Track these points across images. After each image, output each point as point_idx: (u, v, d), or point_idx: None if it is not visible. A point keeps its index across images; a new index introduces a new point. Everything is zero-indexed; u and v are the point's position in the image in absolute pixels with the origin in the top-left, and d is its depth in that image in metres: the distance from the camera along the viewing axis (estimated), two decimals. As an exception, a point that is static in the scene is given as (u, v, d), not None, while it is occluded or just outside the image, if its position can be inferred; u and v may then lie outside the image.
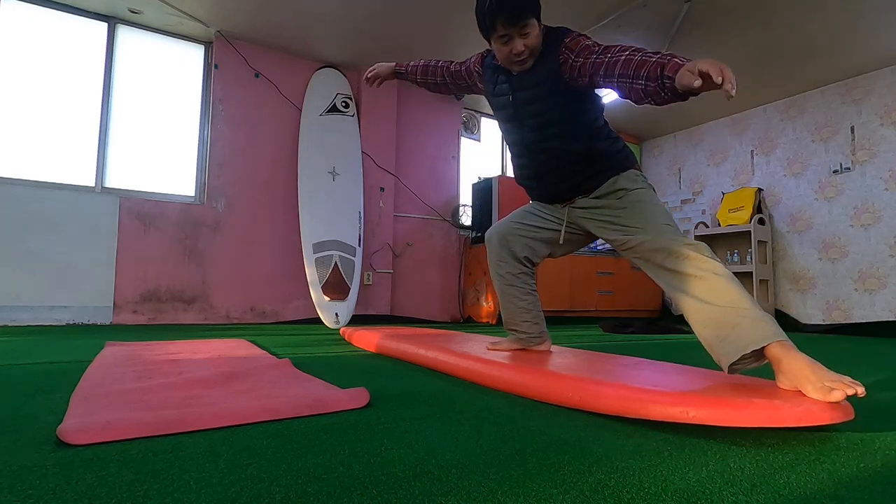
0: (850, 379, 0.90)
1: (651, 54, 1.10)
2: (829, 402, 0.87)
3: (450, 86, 1.70)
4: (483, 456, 0.78)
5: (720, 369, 1.11)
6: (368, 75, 1.76)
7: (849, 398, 0.88)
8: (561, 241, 1.55)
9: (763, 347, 1.01)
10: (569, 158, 1.39)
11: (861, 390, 0.86)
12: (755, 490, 0.66)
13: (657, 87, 1.05)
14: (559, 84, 1.30)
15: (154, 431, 0.86)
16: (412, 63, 1.75)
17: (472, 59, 1.59)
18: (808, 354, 0.98)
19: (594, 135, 1.38)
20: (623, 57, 1.14)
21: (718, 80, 0.92)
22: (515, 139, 1.49)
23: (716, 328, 1.08)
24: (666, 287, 1.24)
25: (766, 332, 1.02)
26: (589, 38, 1.29)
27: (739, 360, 1.05)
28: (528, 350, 1.64)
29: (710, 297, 1.11)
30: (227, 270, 3.83)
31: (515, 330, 1.66)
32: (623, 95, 1.17)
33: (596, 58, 1.20)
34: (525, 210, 1.63)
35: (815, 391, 0.89)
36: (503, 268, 1.62)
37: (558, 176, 1.44)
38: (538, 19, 1.29)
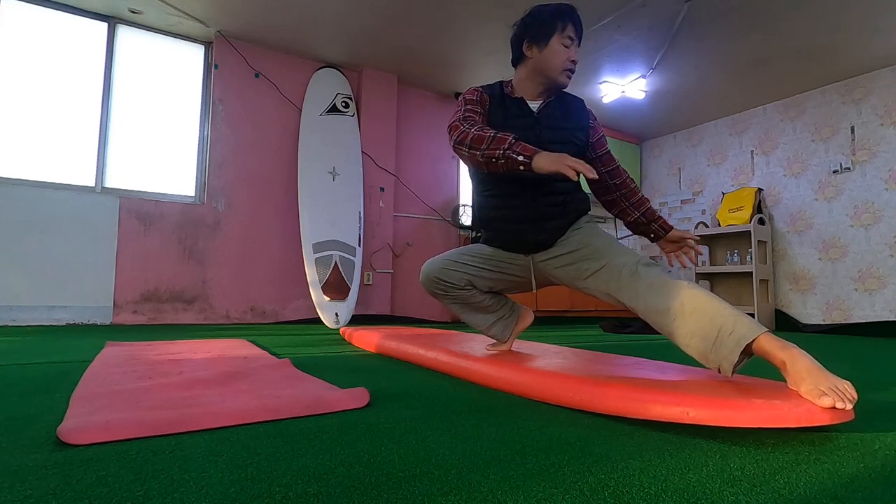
0: (847, 384, 0.90)
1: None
2: None
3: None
4: (483, 456, 0.78)
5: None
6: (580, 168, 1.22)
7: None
8: (535, 288, 1.56)
9: (750, 343, 1.02)
10: (574, 206, 1.44)
11: (850, 406, 0.87)
12: (755, 490, 0.66)
13: (644, 222, 1.54)
14: (586, 135, 1.48)
15: (154, 431, 0.85)
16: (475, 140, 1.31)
17: (474, 96, 1.46)
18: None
19: (580, 184, 1.47)
20: (629, 177, 1.56)
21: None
22: (516, 176, 1.32)
23: (703, 338, 1.08)
24: (637, 305, 1.22)
25: (750, 326, 1.04)
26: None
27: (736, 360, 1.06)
28: (526, 355, 1.63)
29: (684, 307, 1.12)
30: (227, 270, 3.83)
31: (492, 325, 1.62)
32: (609, 201, 1.55)
33: (609, 155, 1.54)
34: (481, 256, 1.53)
35: (808, 393, 0.90)
36: (464, 297, 1.56)
37: (553, 224, 1.41)
38: None
